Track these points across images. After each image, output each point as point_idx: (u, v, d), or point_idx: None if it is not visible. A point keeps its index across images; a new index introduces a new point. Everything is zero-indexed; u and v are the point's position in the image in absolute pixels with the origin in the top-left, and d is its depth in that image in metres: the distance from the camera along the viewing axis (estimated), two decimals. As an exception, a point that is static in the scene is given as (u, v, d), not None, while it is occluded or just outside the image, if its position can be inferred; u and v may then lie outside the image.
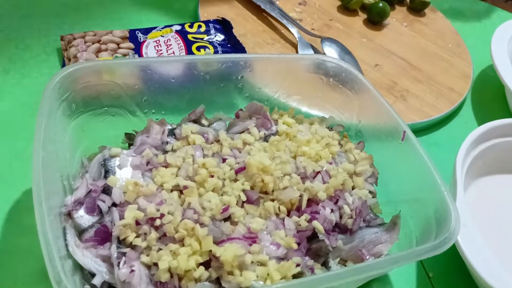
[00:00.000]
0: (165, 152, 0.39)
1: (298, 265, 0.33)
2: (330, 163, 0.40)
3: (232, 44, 0.53)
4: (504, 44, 0.59)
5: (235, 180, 0.37)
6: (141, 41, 0.51)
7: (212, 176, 0.37)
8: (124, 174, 0.37)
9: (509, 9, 0.82)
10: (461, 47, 0.64)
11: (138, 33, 0.51)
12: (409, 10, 0.69)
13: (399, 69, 0.58)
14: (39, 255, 0.35)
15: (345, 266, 0.36)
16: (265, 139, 0.42)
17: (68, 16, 0.55)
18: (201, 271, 0.31)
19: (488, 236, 0.41)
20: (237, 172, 0.38)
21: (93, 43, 0.49)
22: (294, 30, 0.58)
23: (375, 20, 0.64)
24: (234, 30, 0.54)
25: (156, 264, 0.31)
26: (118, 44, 0.50)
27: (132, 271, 0.31)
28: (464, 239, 0.33)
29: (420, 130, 0.53)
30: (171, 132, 0.41)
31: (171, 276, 0.31)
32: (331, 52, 0.56)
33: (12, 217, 0.39)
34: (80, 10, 0.56)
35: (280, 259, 0.34)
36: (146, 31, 0.52)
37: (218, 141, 0.41)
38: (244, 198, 0.36)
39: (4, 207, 0.39)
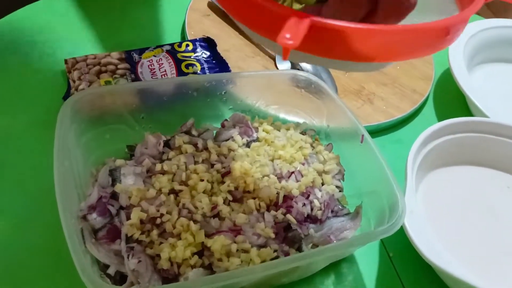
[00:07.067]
0: (161, 161, 0.46)
1: (275, 251, 0.40)
2: (303, 164, 0.47)
3: (217, 60, 0.59)
4: (461, 47, 0.66)
5: (222, 182, 0.44)
6: (136, 61, 0.57)
7: (202, 180, 0.43)
8: (128, 181, 0.44)
9: (483, 12, 0.88)
10: (424, 50, 0.71)
11: (133, 54, 0.58)
12: (378, 17, 0.76)
13: (366, 74, 0.65)
14: (55, 251, 0.42)
15: (316, 250, 0.44)
16: (248, 145, 0.49)
17: (70, 40, 0.62)
18: (195, 259, 0.38)
19: (436, 220, 0.48)
20: (223, 175, 0.44)
21: (94, 66, 0.56)
22: (272, 43, 0.64)
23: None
24: (218, 46, 0.61)
25: (158, 255, 0.38)
26: (116, 66, 0.56)
27: (139, 261, 0.38)
28: (410, 222, 0.40)
29: (386, 129, 0.60)
30: (166, 143, 0.47)
31: (171, 264, 0.38)
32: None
33: (29, 220, 0.45)
34: (80, 33, 0.63)
35: (261, 246, 0.40)
36: (140, 52, 0.58)
37: (206, 148, 0.47)
38: (230, 197, 0.43)
39: (23, 212, 0.45)
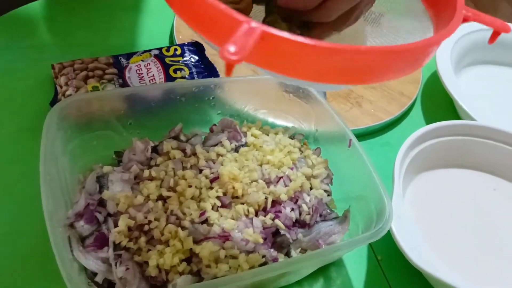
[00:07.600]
0: (149, 167, 0.46)
1: (264, 256, 0.40)
2: (292, 168, 0.47)
3: (205, 65, 0.59)
4: (448, 50, 0.67)
5: (211, 188, 0.44)
6: (124, 66, 0.57)
7: (190, 186, 0.43)
8: (115, 188, 0.43)
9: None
10: (412, 53, 0.71)
11: (121, 58, 0.58)
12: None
13: (355, 77, 0.65)
14: (43, 258, 0.42)
15: (305, 255, 0.44)
16: (236, 150, 0.49)
17: (57, 45, 0.61)
18: (183, 266, 0.38)
19: (423, 223, 0.48)
20: (212, 181, 0.44)
21: (81, 71, 0.55)
22: (261, 46, 0.64)
23: (335, 32, 0.71)
24: (207, 50, 0.61)
25: (146, 262, 0.38)
26: (103, 71, 0.56)
27: (127, 269, 0.38)
28: (397, 227, 0.40)
29: (374, 132, 0.60)
30: (154, 149, 0.47)
31: (160, 271, 0.38)
32: (294, 65, 0.63)
33: (17, 228, 0.45)
34: (68, 38, 0.63)
35: (249, 252, 0.41)
36: (128, 56, 0.58)
37: (195, 154, 0.47)
38: (218, 203, 0.43)
39: (10, 219, 0.45)
